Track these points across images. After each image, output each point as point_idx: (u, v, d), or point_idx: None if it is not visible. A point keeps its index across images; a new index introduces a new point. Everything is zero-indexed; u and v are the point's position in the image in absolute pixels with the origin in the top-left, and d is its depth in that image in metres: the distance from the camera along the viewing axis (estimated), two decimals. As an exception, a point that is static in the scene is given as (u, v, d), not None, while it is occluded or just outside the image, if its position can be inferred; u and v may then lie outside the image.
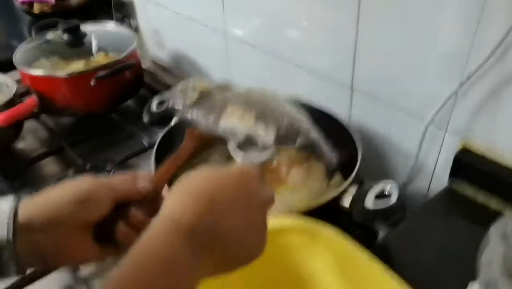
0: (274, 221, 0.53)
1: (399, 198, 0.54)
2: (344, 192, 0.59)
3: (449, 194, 0.65)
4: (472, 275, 0.50)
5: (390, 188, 0.56)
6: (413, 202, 0.71)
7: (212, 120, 0.61)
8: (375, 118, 0.75)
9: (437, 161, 0.69)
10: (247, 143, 0.61)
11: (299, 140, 0.61)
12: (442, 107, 0.62)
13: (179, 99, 0.66)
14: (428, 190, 0.72)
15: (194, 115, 0.63)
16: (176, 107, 0.66)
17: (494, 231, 0.46)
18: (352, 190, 0.58)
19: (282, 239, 0.51)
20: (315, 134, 0.63)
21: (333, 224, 0.52)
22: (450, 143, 0.65)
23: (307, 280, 0.51)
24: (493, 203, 0.62)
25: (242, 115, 0.60)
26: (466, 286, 0.50)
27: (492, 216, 0.50)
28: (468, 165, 0.63)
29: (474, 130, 0.63)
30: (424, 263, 0.56)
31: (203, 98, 0.65)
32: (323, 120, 0.73)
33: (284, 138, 0.61)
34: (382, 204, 0.54)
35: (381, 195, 0.55)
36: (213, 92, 0.67)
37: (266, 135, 0.59)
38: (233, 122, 0.61)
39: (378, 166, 0.76)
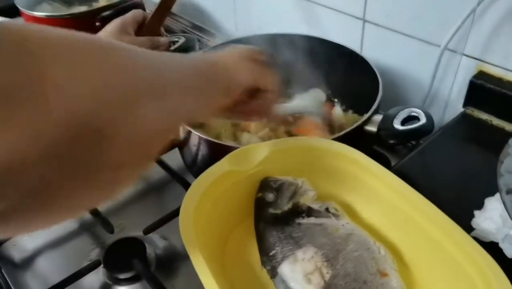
0: (302, 140, 0.53)
1: (427, 118, 0.54)
2: (368, 121, 0.59)
3: (464, 118, 0.65)
4: (490, 193, 0.51)
5: (416, 112, 0.57)
6: (427, 132, 0.71)
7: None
8: (388, 49, 0.73)
9: (452, 87, 0.68)
10: None
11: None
12: (459, 29, 0.61)
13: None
14: (442, 119, 0.72)
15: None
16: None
17: (515, 141, 0.46)
18: (378, 118, 0.58)
19: (311, 158, 0.51)
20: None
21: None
22: (466, 68, 0.65)
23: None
24: (509, 126, 0.62)
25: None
26: (483, 202, 0.51)
27: (507, 139, 0.50)
28: (484, 88, 0.62)
29: (491, 54, 0.62)
30: (440, 184, 0.57)
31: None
32: (338, 54, 0.72)
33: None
34: (412, 124, 0.54)
35: (407, 118, 0.56)
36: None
37: None
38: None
39: (392, 97, 0.75)
